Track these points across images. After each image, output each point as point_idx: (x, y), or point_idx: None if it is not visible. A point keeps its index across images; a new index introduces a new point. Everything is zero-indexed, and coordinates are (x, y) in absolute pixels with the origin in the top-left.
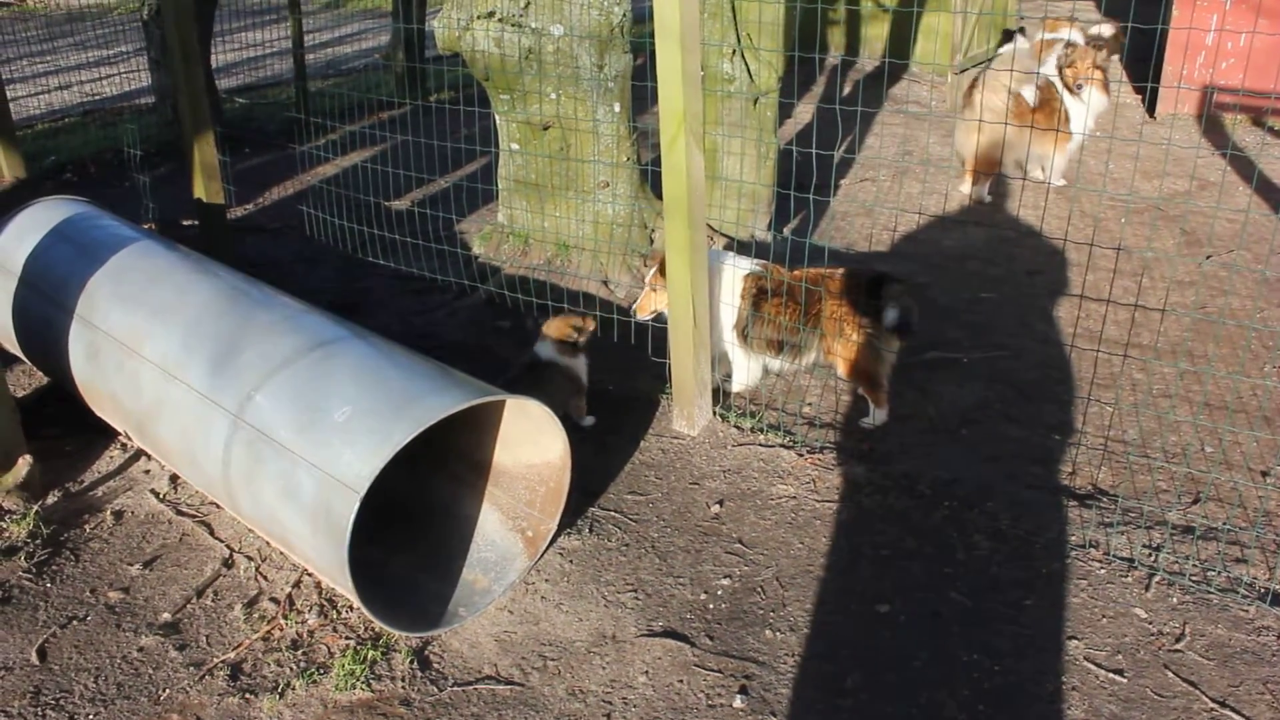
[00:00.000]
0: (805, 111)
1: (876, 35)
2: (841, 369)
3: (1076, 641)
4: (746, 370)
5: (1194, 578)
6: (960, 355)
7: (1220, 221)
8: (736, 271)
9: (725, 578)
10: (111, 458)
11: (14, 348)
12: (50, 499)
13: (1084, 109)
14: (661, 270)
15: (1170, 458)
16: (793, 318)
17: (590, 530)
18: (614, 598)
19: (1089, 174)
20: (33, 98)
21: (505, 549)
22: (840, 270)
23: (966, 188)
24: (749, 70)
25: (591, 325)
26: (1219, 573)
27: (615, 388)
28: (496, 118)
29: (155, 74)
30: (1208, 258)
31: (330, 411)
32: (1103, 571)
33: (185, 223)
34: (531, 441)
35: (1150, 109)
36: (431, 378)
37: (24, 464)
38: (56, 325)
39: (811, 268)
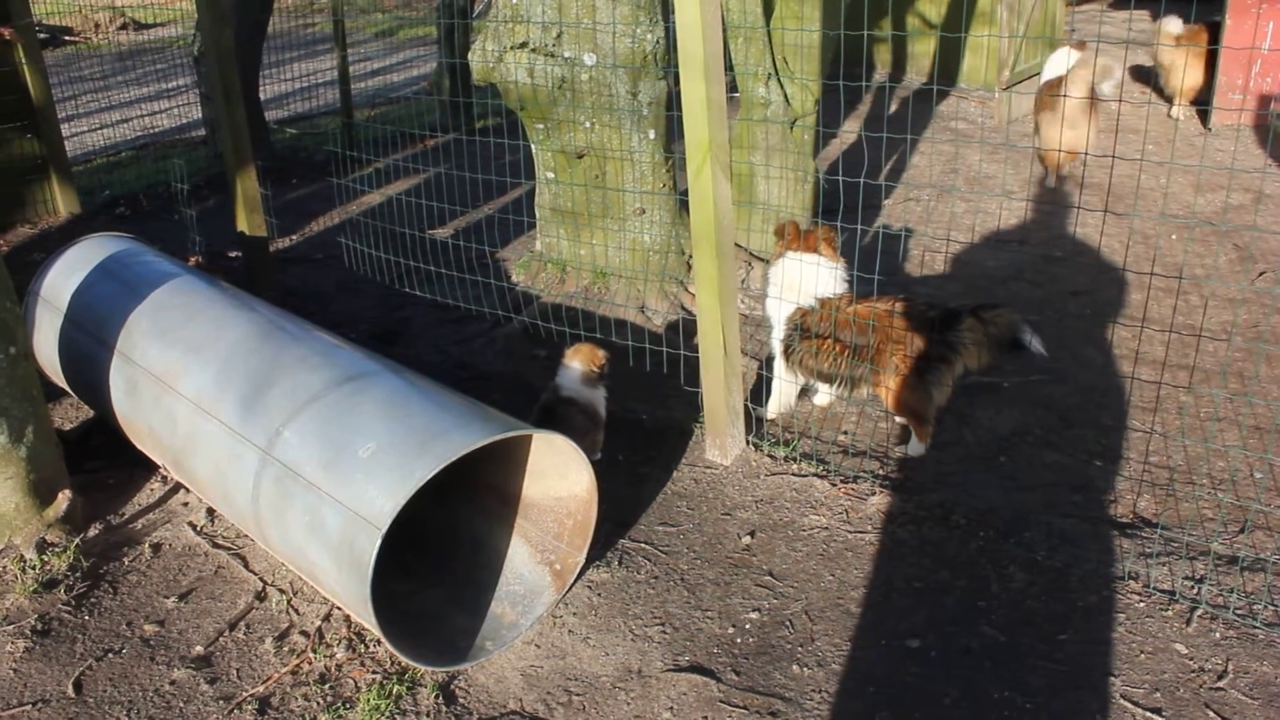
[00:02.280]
0: (850, 131)
1: (923, 52)
2: (889, 401)
3: (1113, 678)
4: (779, 395)
5: (1239, 611)
6: (999, 380)
7: (1275, 237)
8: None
9: (754, 611)
10: (152, 490)
11: (61, 382)
12: (91, 531)
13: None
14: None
15: (1216, 485)
16: (843, 353)
17: (620, 562)
18: (641, 631)
19: (1142, 189)
20: (93, 133)
21: (533, 582)
22: (896, 302)
23: (1053, 181)
24: (785, 94)
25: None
26: (1265, 606)
27: (649, 417)
28: (532, 147)
29: (205, 108)
30: (1260, 274)
31: (355, 447)
32: (1142, 605)
33: (231, 254)
34: (559, 475)
35: (1204, 120)
36: (458, 412)
37: (64, 499)
38: (98, 360)
39: (867, 300)
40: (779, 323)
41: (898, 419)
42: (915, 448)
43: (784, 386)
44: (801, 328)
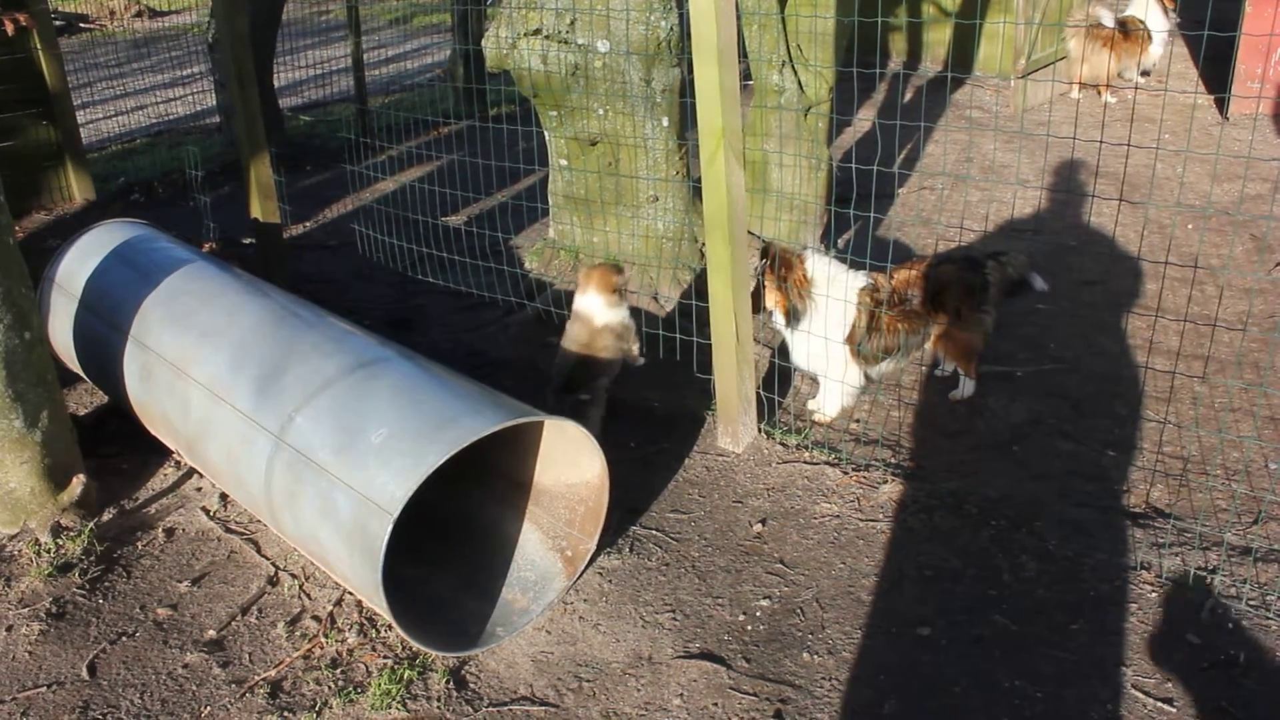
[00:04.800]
0: (864, 119)
1: (938, 40)
2: (950, 352)
3: (1125, 668)
4: (842, 394)
5: (1252, 602)
6: (1013, 369)
7: None
8: (850, 284)
9: (765, 598)
10: (165, 475)
11: (76, 367)
12: (106, 516)
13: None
14: (772, 267)
15: (1230, 475)
16: (911, 322)
17: (631, 549)
18: (652, 618)
19: (1157, 178)
20: (108, 120)
21: (544, 568)
22: (917, 265)
23: (1109, 98)
24: (799, 82)
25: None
26: (1279, 597)
27: (661, 404)
28: (545, 134)
29: (220, 95)
30: (1277, 264)
31: (368, 433)
32: (1154, 595)
33: (245, 241)
34: (570, 461)
35: (1222, 109)
36: (470, 398)
37: (78, 483)
38: (113, 346)
39: (904, 268)
40: (842, 320)
41: (951, 363)
42: (968, 387)
43: (848, 388)
44: (874, 303)
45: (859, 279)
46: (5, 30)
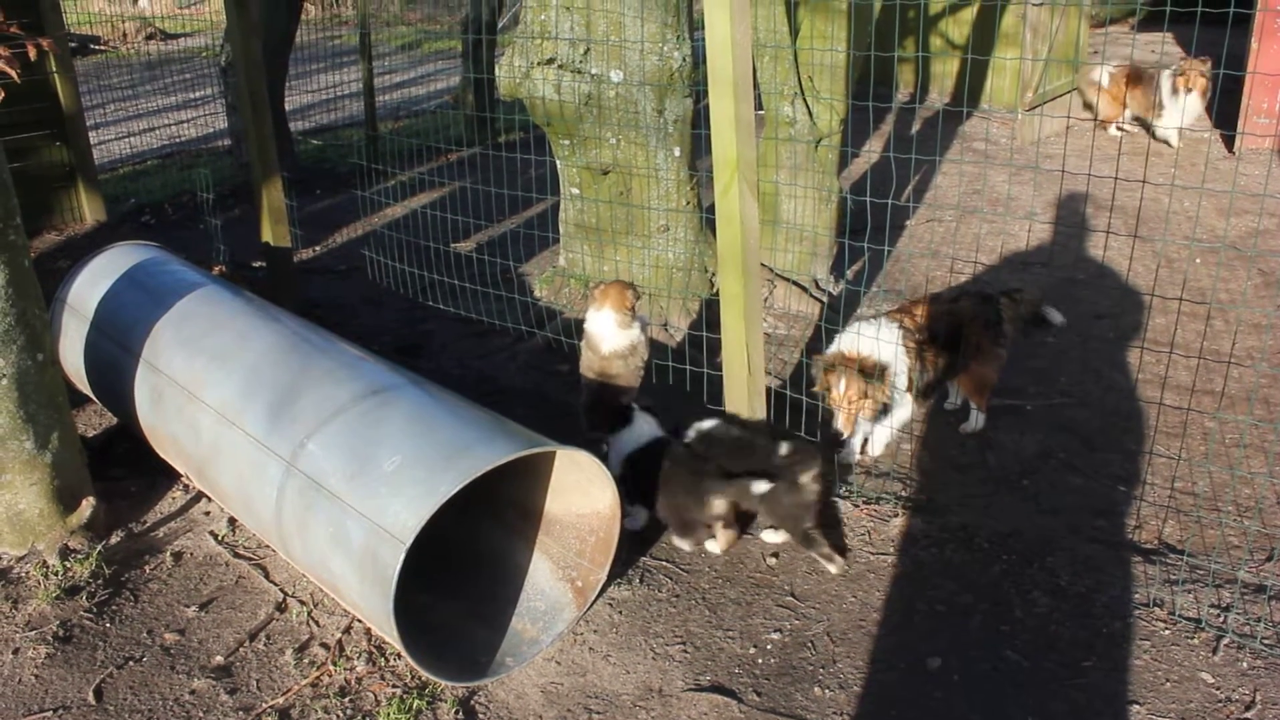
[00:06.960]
0: (873, 151)
1: (947, 72)
2: (964, 385)
3: (1138, 707)
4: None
5: (1266, 641)
6: (1023, 402)
7: None
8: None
9: (776, 631)
10: (174, 499)
11: (86, 389)
12: (113, 539)
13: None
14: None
15: (1242, 512)
16: (942, 354)
17: (641, 580)
18: (662, 650)
19: (1164, 213)
20: (119, 141)
21: (554, 599)
22: (931, 301)
23: (1113, 130)
24: (810, 113)
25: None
26: None
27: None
28: (557, 162)
29: (231, 118)
30: None
31: (380, 460)
32: (1167, 632)
33: (255, 264)
34: (582, 491)
35: (1229, 144)
36: (482, 427)
37: (87, 505)
38: (123, 368)
39: (919, 304)
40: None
41: (956, 399)
42: (979, 420)
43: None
44: (916, 344)
45: (890, 329)
46: (28, 55)
